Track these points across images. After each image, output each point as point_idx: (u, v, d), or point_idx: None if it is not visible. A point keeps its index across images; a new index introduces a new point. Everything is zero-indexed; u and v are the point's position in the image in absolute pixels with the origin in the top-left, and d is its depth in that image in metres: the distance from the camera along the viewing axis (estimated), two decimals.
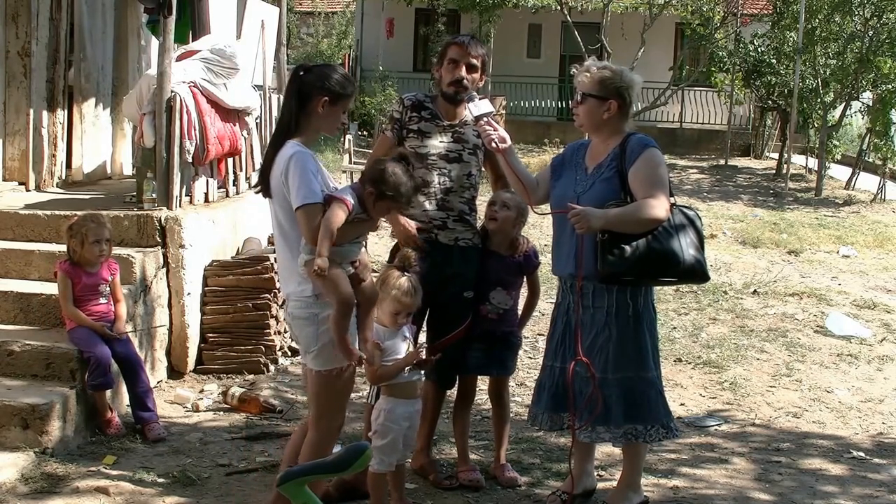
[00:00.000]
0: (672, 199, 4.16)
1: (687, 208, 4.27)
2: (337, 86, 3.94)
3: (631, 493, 4.37)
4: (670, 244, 4.06)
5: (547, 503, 4.46)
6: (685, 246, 4.10)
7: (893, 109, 16.92)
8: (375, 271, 4.61)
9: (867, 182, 17.75)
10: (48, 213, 6.26)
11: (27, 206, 6.47)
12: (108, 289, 5.33)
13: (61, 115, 7.49)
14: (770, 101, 21.74)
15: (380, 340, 4.06)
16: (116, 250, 5.61)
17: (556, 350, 4.36)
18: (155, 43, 7.35)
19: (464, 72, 4.57)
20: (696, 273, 4.17)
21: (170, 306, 6.13)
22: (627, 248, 4.02)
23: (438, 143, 4.59)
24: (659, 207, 4.03)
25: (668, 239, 4.07)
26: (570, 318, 4.30)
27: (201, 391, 5.97)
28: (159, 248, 6.06)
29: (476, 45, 4.63)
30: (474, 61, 4.59)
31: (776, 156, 21.47)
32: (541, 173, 4.59)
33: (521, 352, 5.34)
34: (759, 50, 20.65)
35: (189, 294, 6.18)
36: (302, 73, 3.99)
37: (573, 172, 4.33)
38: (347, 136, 14.74)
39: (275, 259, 5.83)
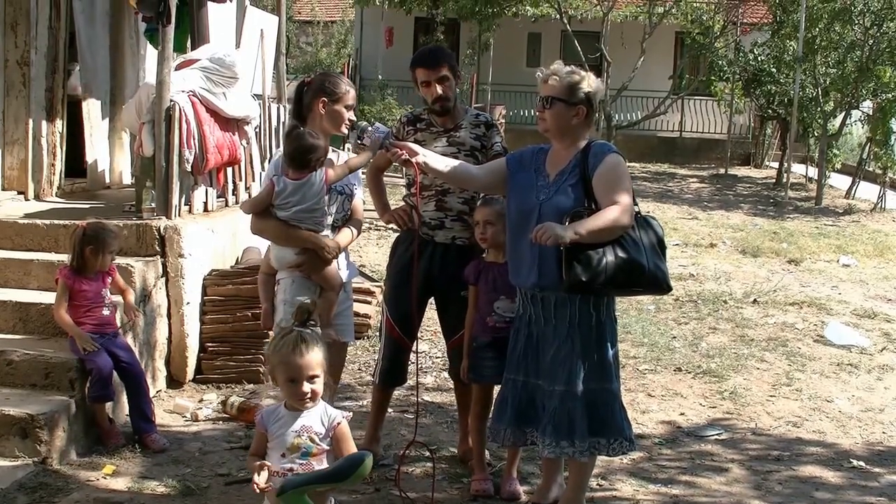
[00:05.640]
0: (636, 207, 4.09)
1: (649, 216, 4.19)
2: (332, 85, 4.46)
3: None
4: (635, 253, 3.98)
5: None
6: (649, 255, 4.02)
7: (893, 118, 16.91)
8: None
9: (867, 191, 17.75)
10: (47, 222, 6.26)
11: (26, 216, 6.47)
12: (108, 293, 5.29)
13: (60, 124, 7.49)
14: (770, 111, 21.76)
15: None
16: (116, 259, 5.59)
17: (519, 363, 4.29)
18: (153, 51, 7.35)
19: (439, 89, 4.80)
20: (658, 283, 4.07)
21: (169, 316, 6.12)
22: (593, 256, 3.92)
23: (434, 149, 4.65)
24: (624, 213, 3.97)
25: (633, 247, 3.99)
26: (531, 330, 4.23)
27: (201, 401, 5.96)
28: (158, 257, 6.05)
29: (437, 58, 4.86)
30: (444, 73, 4.81)
31: (776, 165, 21.50)
32: (491, 165, 4.53)
33: None
34: (759, 59, 20.67)
35: (188, 303, 6.17)
36: (304, 87, 4.55)
37: (532, 178, 4.23)
38: (347, 144, 14.68)
39: None
